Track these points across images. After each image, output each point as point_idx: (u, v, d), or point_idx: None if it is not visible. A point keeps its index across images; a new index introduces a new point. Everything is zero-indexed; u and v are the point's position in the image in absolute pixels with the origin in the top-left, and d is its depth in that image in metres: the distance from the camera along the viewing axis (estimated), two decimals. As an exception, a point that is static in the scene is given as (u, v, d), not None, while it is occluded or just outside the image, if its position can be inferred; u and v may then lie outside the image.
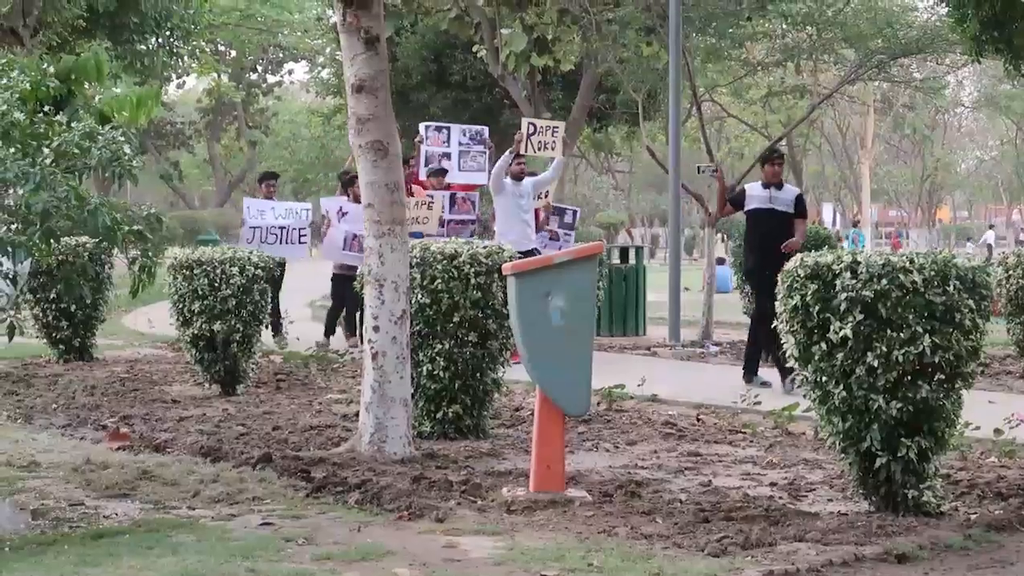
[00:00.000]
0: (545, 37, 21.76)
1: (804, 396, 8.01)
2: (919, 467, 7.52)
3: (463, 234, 15.83)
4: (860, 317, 7.34)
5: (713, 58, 23.54)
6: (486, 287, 10.16)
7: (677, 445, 10.19)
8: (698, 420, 11.51)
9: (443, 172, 17.00)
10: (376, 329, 9.35)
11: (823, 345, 7.49)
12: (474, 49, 24.81)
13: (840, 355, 7.43)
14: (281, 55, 68.26)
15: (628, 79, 22.26)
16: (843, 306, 7.37)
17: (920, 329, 7.30)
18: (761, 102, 36.77)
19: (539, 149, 16.24)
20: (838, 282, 7.42)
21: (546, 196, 17.24)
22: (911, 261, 7.40)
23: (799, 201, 13.72)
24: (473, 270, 10.13)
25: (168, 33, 32.23)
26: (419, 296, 10.13)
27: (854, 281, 7.37)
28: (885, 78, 25.23)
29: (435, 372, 10.23)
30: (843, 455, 7.74)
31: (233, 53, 65.98)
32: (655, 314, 20.93)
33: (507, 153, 15.80)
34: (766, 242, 13.32)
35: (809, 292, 7.50)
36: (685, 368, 15.99)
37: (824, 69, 31.20)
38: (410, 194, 15.24)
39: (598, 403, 11.90)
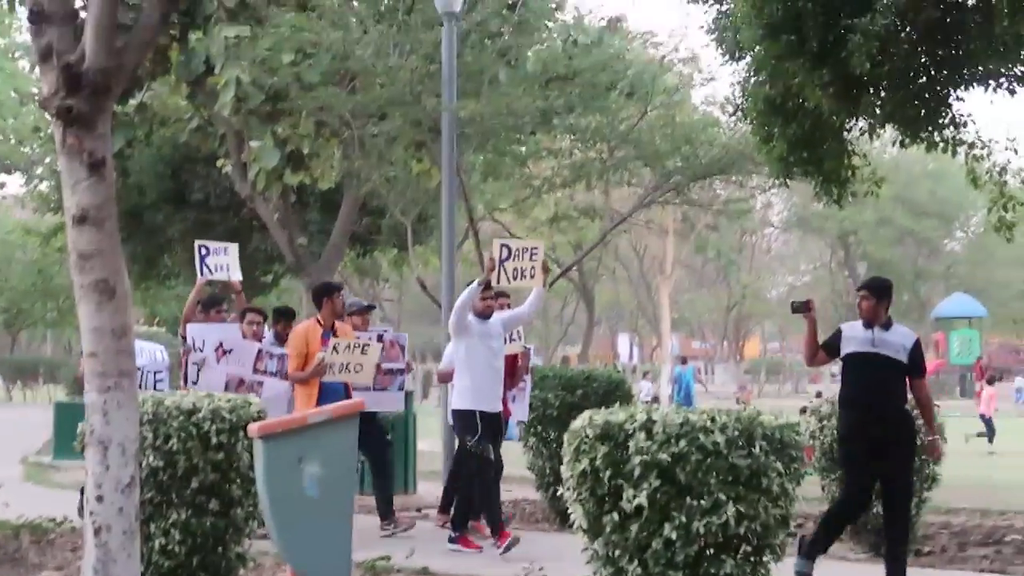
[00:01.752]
0: (300, 152, 21.71)
1: (594, 573, 8.04)
2: (724, 653, 7.60)
3: (392, 387, 15.09)
4: (656, 483, 7.43)
5: (493, 175, 23.82)
6: (230, 447, 10.03)
7: (452, 628, 10.17)
8: (477, 597, 11.50)
9: (371, 308, 16.24)
10: (99, 499, 9.12)
11: (615, 515, 7.55)
12: (218, 164, 24.76)
13: (634, 526, 7.50)
14: (-9, 165, 67.20)
15: (396, 200, 22.39)
16: (637, 471, 7.45)
17: (723, 496, 7.41)
18: (548, 223, 37.36)
19: (515, 278, 13.97)
20: (631, 443, 7.49)
21: (519, 339, 15.58)
22: (712, 419, 7.53)
23: (915, 351, 11.45)
24: (214, 427, 10.00)
25: None
26: (151, 459, 9.97)
27: (649, 443, 7.45)
28: (684, 200, 25.83)
29: (169, 547, 10.05)
30: (640, 640, 7.78)
31: (-68, 161, 64.74)
32: (428, 467, 20.85)
33: (474, 283, 14.06)
34: (868, 397, 11.39)
35: (599, 455, 7.56)
36: (462, 533, 15.92)
37: (617, 185, 31.80)
38: (335, 334, 14.42)
39: (360, 579, 11.82)
